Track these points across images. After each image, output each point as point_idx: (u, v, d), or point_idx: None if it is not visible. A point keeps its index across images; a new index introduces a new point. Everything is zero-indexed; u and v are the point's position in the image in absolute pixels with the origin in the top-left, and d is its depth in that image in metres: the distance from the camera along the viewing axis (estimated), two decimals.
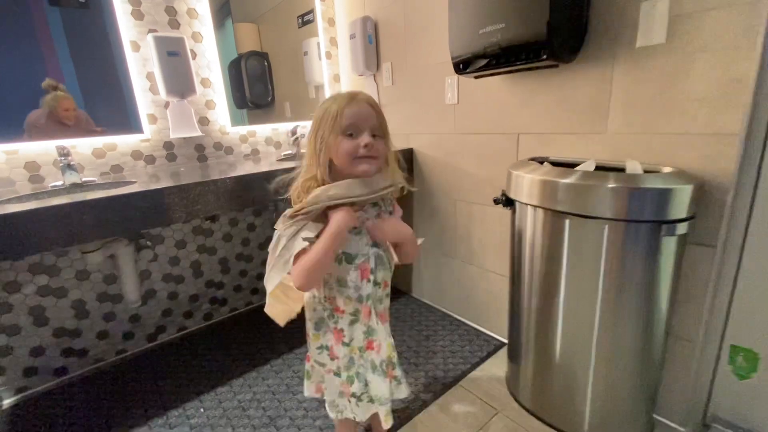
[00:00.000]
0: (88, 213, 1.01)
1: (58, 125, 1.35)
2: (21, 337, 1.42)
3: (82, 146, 1.42)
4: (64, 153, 1.26)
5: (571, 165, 1.14)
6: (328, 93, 2.07)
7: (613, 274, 0.98)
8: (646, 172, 0.99)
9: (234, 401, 1.35)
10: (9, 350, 1.41)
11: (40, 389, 1.48)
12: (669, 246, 0.94)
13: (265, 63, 1.91)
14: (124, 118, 1.49)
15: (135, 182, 1.29)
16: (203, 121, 1.69)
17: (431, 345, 1.59)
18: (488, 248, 1.55)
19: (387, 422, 0.90)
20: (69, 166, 1.27)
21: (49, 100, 1.32)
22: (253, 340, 1.71)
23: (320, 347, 0.91)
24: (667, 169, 0.97)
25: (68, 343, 1.52)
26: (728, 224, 0.95)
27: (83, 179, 1.33)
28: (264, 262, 2.00)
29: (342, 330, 0.88)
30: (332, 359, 0.90)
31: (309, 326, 0.93)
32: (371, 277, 0.86)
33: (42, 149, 1.35)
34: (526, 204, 1.07)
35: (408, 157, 1.77)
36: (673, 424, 1.14)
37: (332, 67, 2.07)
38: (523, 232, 1.12)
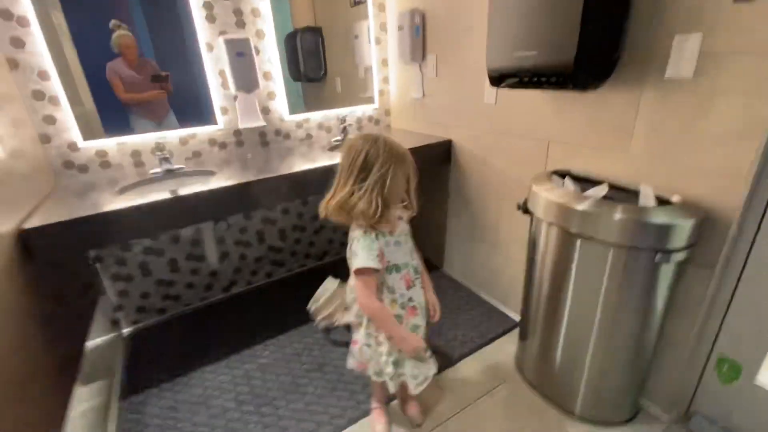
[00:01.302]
0: (188, 205, 1.32)
1: (129, 71, 1.58)
2: (133, 284, 1.85)
3: (171, 136, 1.72)
4: (160, 148, 1.56)
5: (591, 181, 1.24)
6: (376, 76, 2.19)
7: (615, 288, 1.11)
8: (657, 198, 1.08)
9: (290, 348, 1.71)
10: (126, 293, 1.85)
11: (148, 323, 1.94)
12: (667, 269, 1.06)
13: (319, 38, 2.02)
14: (202, 113, 1.76)
15: (215, 172, 1.57)
16: (265, 111, 1.92)
17: (455, 318, 1.83)
18: (514, 240, 1.70)
19: (417, 390, 1.17)
20: (164, 159, 1.57)
21: (115, 38, 1.52)
22: (305, 297, 2.05)
23: (369, 334, 1.14)
24: (676, 198, 1.06)
25: (166, 291, 1.95)
26: (729, 253, 1.04)
27: (175, 167, 1.63)
28: (315, 232, 2.30)
29: None
30: (378, 344, 1.15)
31: (360, 319, 1.16)
32: (415, 283, 1.12)
33: (142, 140, 1.66)
34: (542, 219, 1.20)
35: (447, 148, 1.90)
36: (658, 410, 1.31)
37: (381, 52, 2.16)
38: (538, 241, 1.27)
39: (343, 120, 1.99)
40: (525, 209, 1.29)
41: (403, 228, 1.10)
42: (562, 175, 1.30)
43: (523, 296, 1.45)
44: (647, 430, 1.28)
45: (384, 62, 2.19)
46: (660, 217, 0.99)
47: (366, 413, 1.37)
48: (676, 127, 1.06)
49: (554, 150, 1.41)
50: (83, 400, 1.34)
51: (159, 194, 1.32)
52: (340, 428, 1.33)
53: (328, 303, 1.71)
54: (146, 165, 1.70)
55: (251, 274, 2.18)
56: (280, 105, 1.95)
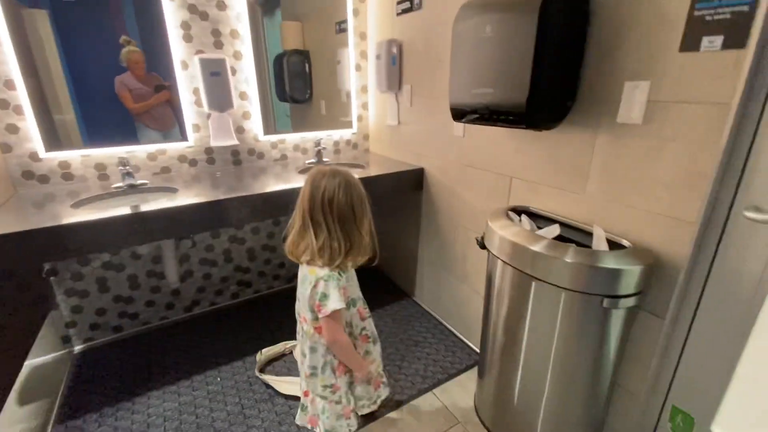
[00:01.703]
0: (145, 223, 1.29)
1: (138, 83, 1.62)
2: (89, 299, 1.79)
3: (139, 151, 1.70)
4: (123, 163, 1.54)
5: (550, 219, 1.23)
6: (354, 102, 2.21)
7: (568, 330, 1.08)
8: (609, 241, 1.07)
9: (245, 375, 1.64)
10: (80, 309, 1.78)
11: (101, 341, 1.86)
12: (618, 314, 1.03)
13: (306, 61, 2.04)
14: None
15: (177, 189, 1.55)
16: (239, 130, 1.91)
17: (418, 351, 1.77)
18: (480, 272, 1.67)
19: (368, 409, 1.26)
20: (128, 174, 1.55)
21: (125, 53, 1.56)
22: (270, 321, 2.00)
23: (325, 386, 1.14)
24: (626, 243, 1.05)
25: (124, 308, 1.88)
26: (679, 300, 1.02)
27: (138, 182, 1.61)
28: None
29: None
30: (334, 392, 1.14)
31: (314, 371, 1.14)
32: (366, 314, 1.17)
33: (107, 153, 1.64)
34: (497, 257, 1.18)
35: (419, 176, 1.89)
36: None
37: (361, 79, 2.19)
38: (494, 278, 1.24)
39: (317, 143, 1.99)
40: (482, 245, 1.27)
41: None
42: (521, 212, 1.29)
43: (481, 334, 1.41)
44: None
45: (364, 89, 2.21)
46: (608, 262, 0.97)
47: None
48: (627, 171, 1.06)
49: (517, 185, 1.41)
50: (18, 421, 1.27)
51: (115, 210, 1.29)
52: None
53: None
54: (111, 178, 1.68)
55: (215, 294, 2.12)
56: (255, 125, 1.95)
